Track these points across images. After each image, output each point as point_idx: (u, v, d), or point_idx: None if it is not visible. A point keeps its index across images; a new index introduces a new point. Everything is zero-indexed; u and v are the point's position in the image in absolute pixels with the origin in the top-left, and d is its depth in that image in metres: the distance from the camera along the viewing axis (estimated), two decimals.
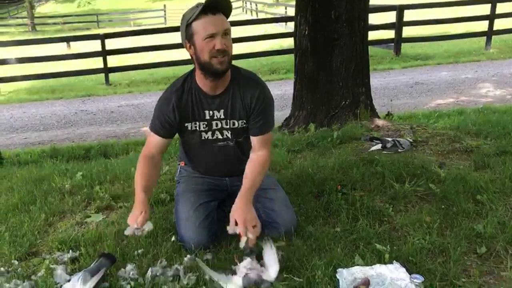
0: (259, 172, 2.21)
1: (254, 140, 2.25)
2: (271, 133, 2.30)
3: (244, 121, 2.22)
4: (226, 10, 2.06)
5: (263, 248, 2.03)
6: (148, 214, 2.07)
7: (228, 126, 2.22)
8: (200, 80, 2.16)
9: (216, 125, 2.22)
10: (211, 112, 2.19)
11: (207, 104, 2.18)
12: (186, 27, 2.05)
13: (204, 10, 1.99)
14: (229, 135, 2.25)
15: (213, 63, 2.04)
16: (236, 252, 2.11)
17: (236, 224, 2.03)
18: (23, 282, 1.94)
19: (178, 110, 2.17)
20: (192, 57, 2.12)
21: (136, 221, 2.00)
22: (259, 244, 2.06)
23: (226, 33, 2.03)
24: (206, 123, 2.21)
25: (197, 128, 2.22)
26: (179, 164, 2.54)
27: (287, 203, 2.36)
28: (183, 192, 2.33)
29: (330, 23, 4.11)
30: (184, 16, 2.08)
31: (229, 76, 2.17)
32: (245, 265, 1.92)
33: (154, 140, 2.24)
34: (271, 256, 1.99)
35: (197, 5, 2.01)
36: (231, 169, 2.37)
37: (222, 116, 2.20)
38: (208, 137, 2.24)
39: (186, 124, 2.21)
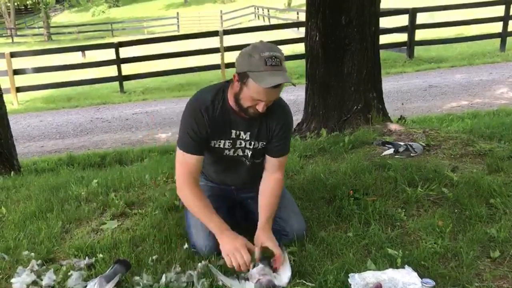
0: (275, 203, 2.21)
1: (271, 161, 2.25)
2: (287, 156, 2.32)
3: (264, 143, 2.22)
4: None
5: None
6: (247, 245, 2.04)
7: (250, 147, 2.22)
8: (232, 103, 2.10)
9: (240, 144, 2.22)
10: (237, 132, 2.18)
11: (235, 124, 2.15)
12: (244, 72, 1.95)
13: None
14: (249, 154, 2.25)
15: (249, 111, 2.04)
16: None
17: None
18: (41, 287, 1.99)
19: (210, 128, 2.11)
20: (234, 84, 2.05)
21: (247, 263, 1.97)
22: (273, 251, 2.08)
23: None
24: (231, 141, 2.20)
25: (221, 146, 2.20)
26: None
27: (294, 209, 2.37)
28: None
29: (340, 29, 4.13)
30: (250, 54, 1.94)
31: None
32: (258, 271, 1.94)
33: (192, 161, 2.13)
34: (284, 263, 2.01)
35: (263, 57, 1.90)
36: (240, 182, 2.40)
37: (248, 138, 2.20)
38: (230, 153, 2.24)
39: (212, 141, 2.18)
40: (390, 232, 2.33)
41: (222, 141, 2.19)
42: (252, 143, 2.20)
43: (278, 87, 1.96)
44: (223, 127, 2.15)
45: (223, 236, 2.05)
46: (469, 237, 2.24)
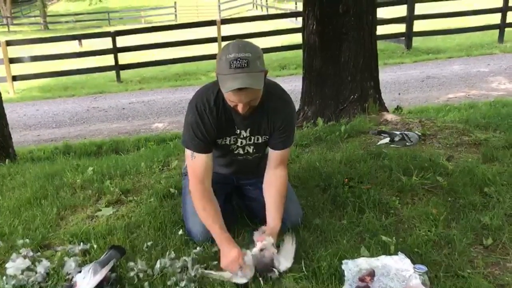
0: (283, 203, 2.17)
1: (274, 154, 2.21)
2: (289, 149, 2.28)
3: (267, 137, 2.21)
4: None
5: (284, 241, 2.08)
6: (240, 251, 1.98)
7: (251, 142, 2.21)
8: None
9: (241, 143, 2.21)
10: (238, 130, 2.16)
11: (237, 122, 2.14)
12: (217, 75, 1.95)
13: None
14: (250, 151, 2.25)
15: (235, 109, 2.01)
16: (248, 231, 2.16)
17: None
18: (35, 273, 2.00)
19: (216, 128, 2.10)
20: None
21: (239, 268, 1.92)
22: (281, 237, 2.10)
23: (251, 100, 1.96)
24: (235, 137, 2.19)
25: (227, 142, 2.20)
26: None
27: (292, 197, 2.37)
28: None
29: (338, 18, 4.11)
30: (220, 56, 1.92)
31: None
32: (261, 245, 1.97)
33: (202, 161, 2.12)
34: (289, 251, 2.03)
35: (228, 60, 1.85)
36: (241, 172, 2.39)
37: (248, 135, 2.18)
38: (233, 149, 2.24)
39: (217, 140, 2.18)
40: (384, 220, 2.34)
41: (228, 138, 2.18)
42: (253, 138, 2.19)
43: (246, 89, 1.87)
44: (226, 125, 2.13)
45: (220, 248, 2.04)
46: (462, 224, 2.26)
